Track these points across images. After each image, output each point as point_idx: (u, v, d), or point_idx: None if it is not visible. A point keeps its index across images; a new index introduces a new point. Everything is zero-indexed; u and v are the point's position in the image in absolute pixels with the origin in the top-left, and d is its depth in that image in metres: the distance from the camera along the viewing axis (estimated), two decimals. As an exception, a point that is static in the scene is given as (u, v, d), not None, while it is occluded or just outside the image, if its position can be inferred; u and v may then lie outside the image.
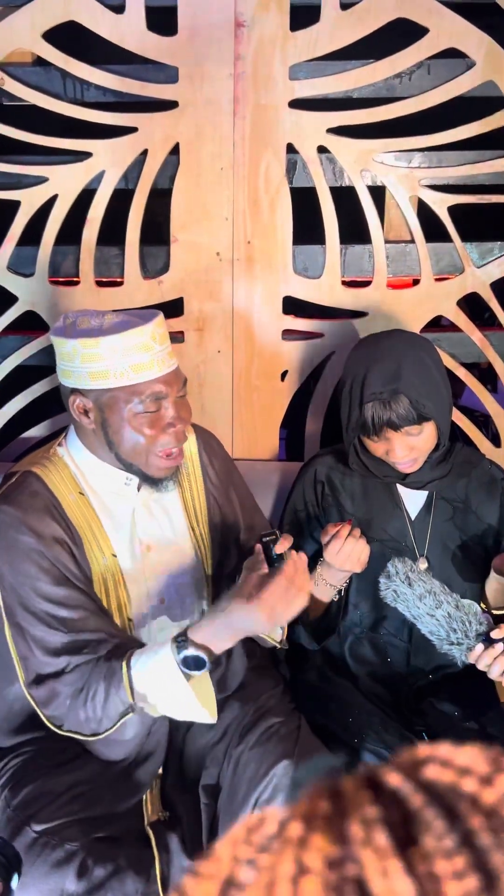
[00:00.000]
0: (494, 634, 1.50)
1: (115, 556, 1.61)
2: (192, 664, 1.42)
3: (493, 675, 1.49)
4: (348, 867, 0.33)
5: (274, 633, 1.72)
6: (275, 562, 1.54)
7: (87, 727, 1.49)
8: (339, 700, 1.81)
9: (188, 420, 1.62)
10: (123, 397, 1.53)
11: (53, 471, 1.62)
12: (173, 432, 1.57)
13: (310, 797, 0.37)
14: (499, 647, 1.49)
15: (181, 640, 1.43)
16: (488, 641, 1.50)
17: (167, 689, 1.44)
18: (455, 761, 0.36)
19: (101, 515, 1.62)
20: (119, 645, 1.51)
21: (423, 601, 1.54)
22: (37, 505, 1.56)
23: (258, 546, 1.56)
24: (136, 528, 1.65)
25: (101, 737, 1.49)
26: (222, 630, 1.44)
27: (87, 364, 1.53)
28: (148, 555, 1.66)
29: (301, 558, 1.55)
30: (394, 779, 0.36)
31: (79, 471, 1.63)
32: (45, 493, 1.58)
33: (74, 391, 1.57)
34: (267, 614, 1.41)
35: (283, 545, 1.54)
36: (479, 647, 1.50)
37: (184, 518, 1.72)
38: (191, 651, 1.42)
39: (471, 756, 0.37)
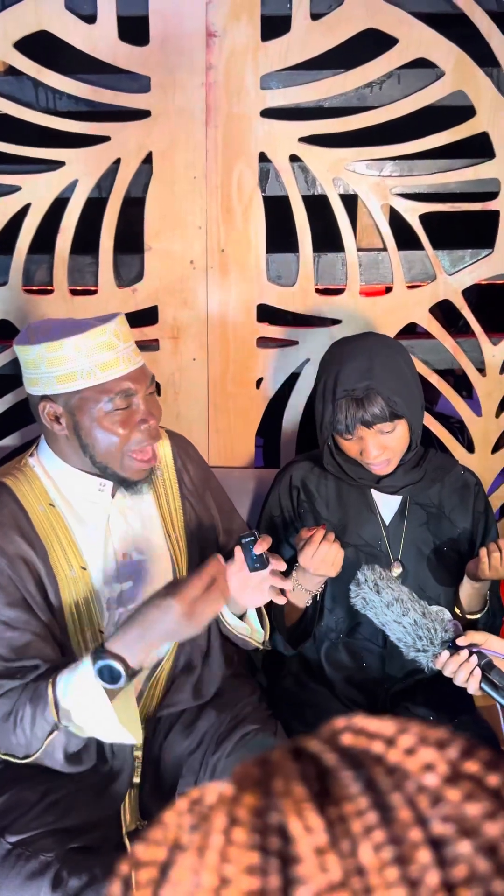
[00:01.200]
0: (460, 641, 1.51)
1: (84, 568, 1.61)
2: (107, 676, 1.39)
3: (458, 681, 1.49)
4: (272, 815, 0.37)
5: (255, 634, 1.73)
6: (255, 563, 1.55)
7: (20, 750, 1.49)
8: (315, 706, 1.81)
9: (159, 416, 1.62)
10: (93, 397, 1.53)
11: (24, 482, 1.62)
12: (146, 428, 1.57)
13: (242, 766, 0.41)
14: (463, 654, 1.50)
15: (98, 651, 1.41)
16: (454, 648, 1.51)
17: (89, 706, 1.42)
18: (367, 728, 0.41)
19: (74, 526, 1.62)
20: (52, 668, 1.51)
21: (391, 608, 1.55)
22: (3, 519, 1.56)
23: (237, 548, 1.57)
24: (111, 535, 1.65)
25: (31, 759, 1.48)
26: (136, 637, 1.40)
27: (53, 368, 1.53)
28: (123, 562, 1.66)
29: (278, 563, 1.56)
30: (313, 744, 0.41)
31: (50, 481, 1.63)
32: (12, 506, 1.58)
33: (43, 398, 1.56)
34: (185, 611, 1.37)
35: (261, 546, 1.55)
36: (445, 653, 1.51)
37: (160, 524, 1.72)
38: (106, 661, 1.39)
39: (380, 724, 0.41)
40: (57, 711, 1.43)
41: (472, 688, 1.50)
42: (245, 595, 1.64)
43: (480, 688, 1.49)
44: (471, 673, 1.50)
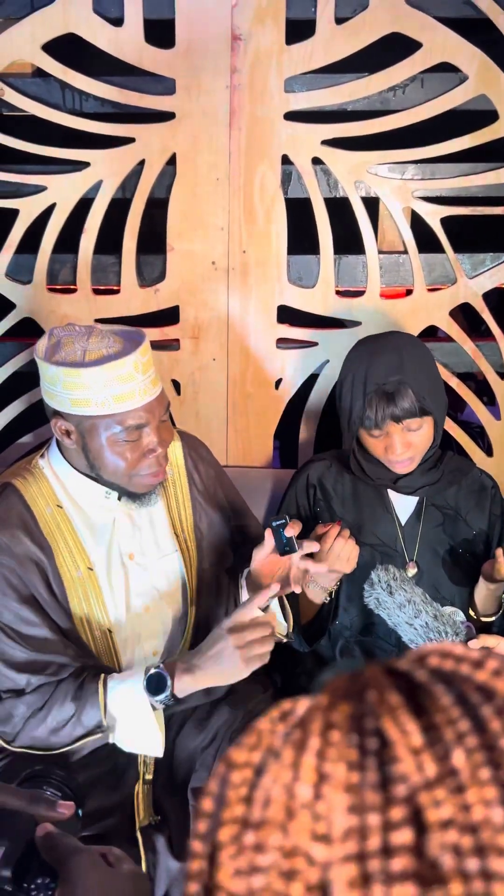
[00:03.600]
0: (472, 644, 1.51)
1: (90, 569, 1.63)
2: (153, 684, 1.48)
3: None
4: (368, 720, 0.39)
5: (279, 626, 1.74)
6: (285, 546, 1.57)
7: (42, 743, 1.52)
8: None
9: (169, 441, 1.63)
10: (104, 424, 1.54)
11: (33, 483, 1.64)
12: (154, 457, 1.58)
13: (335, 680, 0.44)
14: None
15: (154, 664, 1.50)
16: None
17: (132, 717, 1.49)
18: (454, 652, 0.43)
19: (81, 528, 1.64)
20: (87, 666, 1.56)
21: (403, 610, 1.55)
22: (11, 520, 1.59)
23: (268, 531, 1.59)
24: (117, 537, 1.66)
25: (54, 752, 1.52)
26: (191, 663, 1.50)
27: (69, 391, 1.53)
28: (131, 564, 1.67)
29: (311, 545, 1.60)
30: (404, 663, 0.43)
31: (59, 482, 1.65)
32: (20, 508, 1.60)
33: (56, 413, 1.58)
34: (237, 645, 1.47)
35: (293, 529, 1.57)
36: None
37: (168, 525, 1.73)
38: (159, 670, 1.49)
39: (465, 649, 0.43)
40: (105, 712, 1.48)
41: None
42: (273, 582, 1.65)
43: None
44: None
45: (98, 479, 1.61)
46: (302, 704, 0.43)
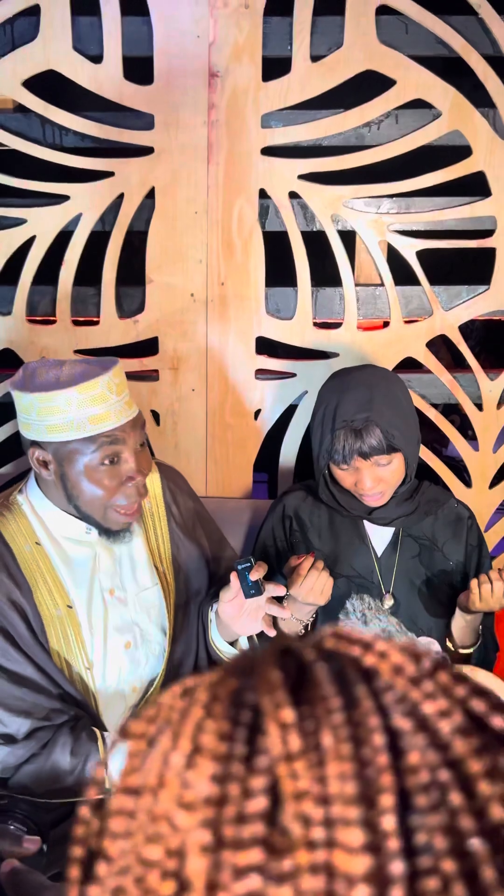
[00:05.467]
0: None
1: (70, 607, 1.61)
2: None
3: None
4: (248, 694, 0.41)
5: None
6: (251, 589, 1.55)
7: (39, 787, 1.49)
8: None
9: (148, 471, 1.62)
10: (81, 449, 1.53)
11: (11, 519, 1.62)
12: (133, 485, 1.57)
13: (234, 657, 0.46)
14: None
15: None
16: None
17: None
18: (349, 635, 0.44)
19: (59, 565, 1.62)
20: (79, 717, 1.54)
21: None
22: None
23: (233, 574, 1.57)
24: (98, 573, 1.65)
25: (54, 801, 1.48)
26: None
27: (45, 417, 1.53)
28: (111, 599, 1.65)
29: (277, 589, 1.58)
30: (298, 644, 0.44)
31: (37, 519, 1.63)
32: None
33: (34, 443, 1.57)
34: None
35: (257, 572, 1.55)
36: None
37: (147, 558, 1.72)
38: None
39: (363, 633, 0.44)
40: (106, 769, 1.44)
41: None
42: (239, 622, 1.64)
43: None
44: None
45: (77, 511, 1.59)
46: (204, 680, 0.44)
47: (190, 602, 1.76)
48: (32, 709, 1.52)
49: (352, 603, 1.63)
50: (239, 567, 1.56)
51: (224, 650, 1.71)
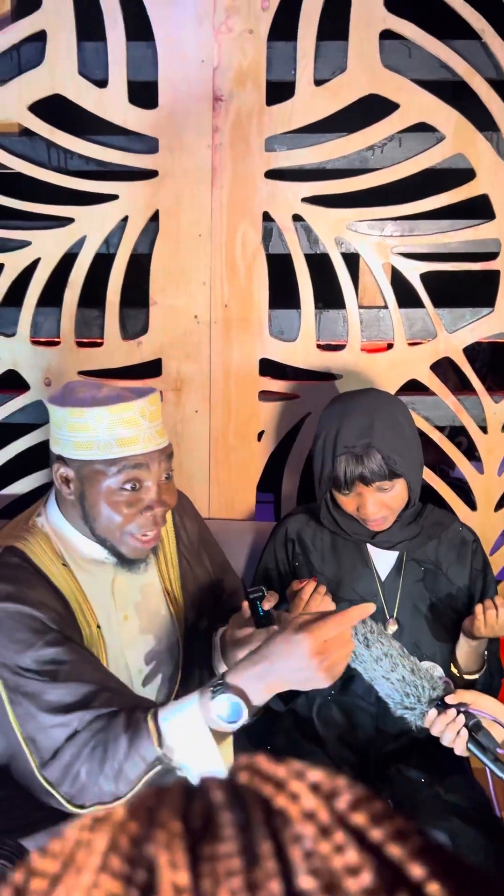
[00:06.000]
0: (449, 700, 1.46)
1: (99, 627, 1.58)
2: (226, 712, 1.27)
3: (445, 741, 1.44)
4: (147, 846, 0.37)
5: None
6: (262, 619, 1.53)
7: (109, 794, 1.36)
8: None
9: (170, 505, 1.56)
10: (103, 471, 1.50)
11: (35, 543, 1.57)
12: (150, 515, 1.53)
13: (142, 793, 0.42)
14: (451, 712, 1.44)
15: (216, 685, 1.29)
16: (442, 707, 1.46)
17: (193, 744, 1.30)
18: (263, 769, 0.40)
19: (85, 586, 1.58)
20: (126, 696, 1.44)
21: (380, 663, 1.51)
22: (23, 577, 1.51)
23: (245, 604, 1.55)
24: (116, 597, 1.62)
25: (124, 800, 1.35)
26: (261, 672, 1.25)
27: (73, 433, 1.50)
28: (125, 624, 1.63)
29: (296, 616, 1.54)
30: (209, 780, 0.41)
31: (59, 541, 1.59)
32: (29, 570, 1.53)
33: (59, 459, 1.55)
34: (316, 650, 1.22)
35: (269, 602, 1.53)
36: (433, 712, 1.46)
37: (158, 583, 1.70)
38: (227, 695, 1.26)
39: (279, 766, 0.41)
40: (160, 742, 1.31)
41: (459, 748, 1.46)
42: (247, 650, 1.61)
43: (467, 748, 1.45)
44: (458, 733, 1.46)
45: (91, 532, 1.55)
46: (116, 813, 0.41)
47: (195, 626, 1.74)
48: (90, 697, 1.40)
49: (353, 627, 1.61)
50: (251, 597, 1.54)
51: None
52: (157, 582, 1.70)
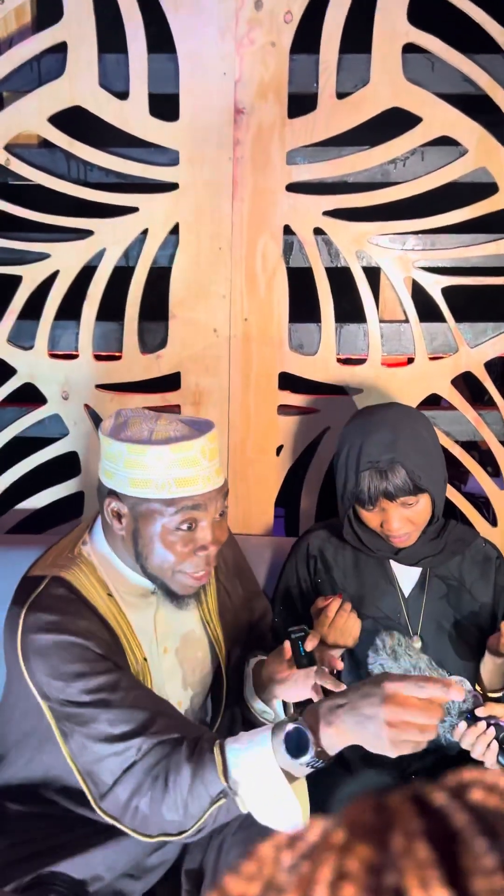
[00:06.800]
0: (479, 712, 1.46)
1: (146, 660, 1.54)
2: (293, 743, 1.23)
3: (476, 754, 1.44)
4: (388, 875, 0.33)
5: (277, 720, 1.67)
6: (303, 660, 1.51)
7: (174, 825, 1.33)
8: (329, 788, 1.76)
9: (222, 542, 1.53)
10: (160, 511, 1.46)
11: (81, 573, 1.52)
12: (204, 556, 1.49)
13: (355, 808, 0.37)
14: (481, 725, 1.44)
15: (292, 718, 1.27)
16: (472, 719, 1.46)
17: (262, 782, 1.27)
18: (501, 786, 0.37)
19: (130, 617, 1.55)
20: (185, 724, 1.41)
21: None
22: (72, 608, 1.47)
23: (286, 643, 1.52)
24: (157, 630, 1.59)
25: (188, 834, 1.32)
26: (336, 715, 1.22)
27: (130, 470, 1.45)
28: (164, 657, 1.60)
29: (336, 662, 1.53)
30: (439, 797, 0.36)
31: (105, 571, 1.55)
32: (76, 598, 1.49)
33: (111, 493, 1.49)
34: (389, 721, 1.17)
35: (312, 643, 1.50)
36: (462, 724, 1.46)
37: (198, 614, 1.67)
38: (298, 725, 1.23)
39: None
40: (226, 776, 1.28)
41: (489, 761, 1.45)
42: (285, 689, 1.59)
43: (497, 761, 1.44)
44: (488, 745, 1.45)
45: (142, 570, 1.52)
46: (314, 831, 0.36)
47: (231, 654, 1.71)
48: (146, 724, 1.37)
49: (381, 639, 1.61)
50: (293, 636, 1.52)
51: (258, 708, 1.67)
52: (196, 613, 1.67)
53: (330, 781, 1.77)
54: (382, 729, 1.16)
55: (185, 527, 1.46)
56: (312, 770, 1.25)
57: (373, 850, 0.34)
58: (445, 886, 0.32)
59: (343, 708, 1.21)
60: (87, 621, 1.45)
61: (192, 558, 1.49)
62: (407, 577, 1.86)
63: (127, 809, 1.34)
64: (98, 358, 2.17)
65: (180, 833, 1.32)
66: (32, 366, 2.16)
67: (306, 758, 1.22)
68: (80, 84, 2.02)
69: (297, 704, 1.60)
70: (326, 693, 1.58)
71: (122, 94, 2.03)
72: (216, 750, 1.29)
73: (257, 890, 0.35)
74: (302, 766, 1.24)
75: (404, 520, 1.72)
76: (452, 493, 2.24)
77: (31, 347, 2.16)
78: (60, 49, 2.02)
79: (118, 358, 2.17)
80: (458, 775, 0.38)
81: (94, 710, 1.38)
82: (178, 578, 1.51)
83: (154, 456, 1.43)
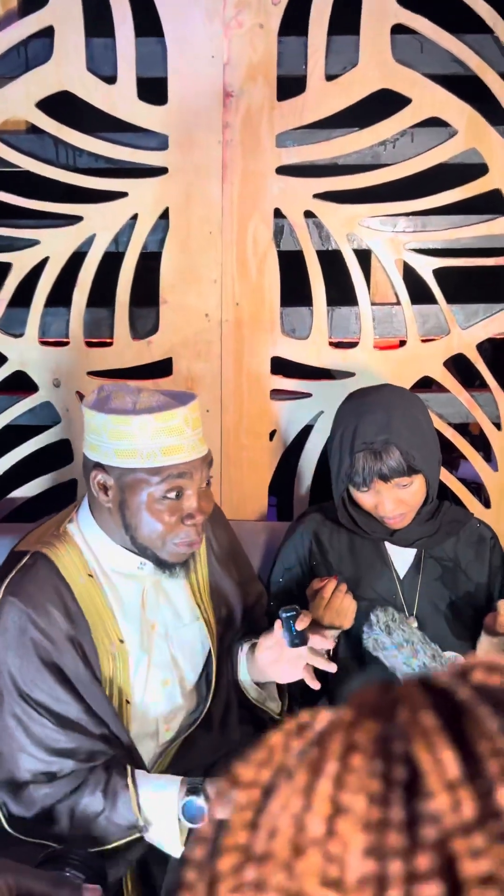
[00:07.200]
0: None
1: (122, 641, 1.56)
2: (190, 812, 1.40)
3: None
4: (397, 744, 0.33)
5: (272, 703, 1.68)
6: (295, 639, 1.51)
7: (74, 832, 1.44)
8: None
9: (208, 512, 1.56)
10: (146, 480, 1.48)
11: (63, 552, 1.55)
12: (192, 524, 1.51)
13: (361, 692, 0.37)
14: None
15: (193, 786, 1.42)
16: None
17: (160, 820, 1.43)
18: (501, 666, 0.37)
19: (110, 599, 1.57)
20: (115, 757, 1.48)
21: (401, 651, 1.53)
22: (46, 595, 1.50)
23: (277, 623, 1.53)
24: (146, 608, 1.60)
25: (92, 849, 1.41)
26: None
27: (116, 441, 1.48)
28: (153, 634, 1.61)
29: (325, 642, 1.55)
30: (442, 678, 0.36)
31: (89, 550, 1.57)
32: (54, 580, 1.52)
33: (97, 466, 1.51)
34: None
35: (303, 622, 1.51)
36: None
37: (188, 594, 1.67)
38: (199, 800, 1.40)
39: None
40: (139, 811, 1.42)
41: None
42: (278, 670, 1.60)
43: None
44: None
45: (132, 541, 1.54)
46: (322, 718, 0.37)
47: (224, 638, 1.72)
48: (76, 751, 1.47)
49: (375, 614, 1.61)
50: (284, 615, 1.52)
51: (251, 692, 1.67)
52: (187, 592, 1.67)
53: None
54: None
55: (171, 495, 1.49)
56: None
57: (380, 723, 0.34)
58: (453, 749, 0.32)
59: None
60: (55, 619, 1.50)
61: (181, 528, 1.51)
62: (402, 558, 1.86)
63: (26, 804, 1.45)
64: (89, 345, 2.16)
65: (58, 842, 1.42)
66: (23, 353, 2.15)
67: (197, 824, 1.39)
68: (67, 69, 2.01)
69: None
70: (318, 673, 1.60)
71: (110, 79, 2.02)
72: (130, 785, 1.42)
73: (267, 776, 0.35)
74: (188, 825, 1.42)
75: (399, 501, 1.72)
76: (445, 476, 2.24)
77: (21, 335, 2.14)
78: (47, 34, 2.00)
79: (109, 344, 2.16)
80: (459, 663, 0.39)
81: (37, 711, 1.46)
82: (168, 548, 1.53)
83: (139, 425, 1.46)
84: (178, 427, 1.48)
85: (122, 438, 1.47)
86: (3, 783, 1.46)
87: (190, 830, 1.44)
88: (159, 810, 1.41)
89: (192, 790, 1.40)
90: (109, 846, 1.42)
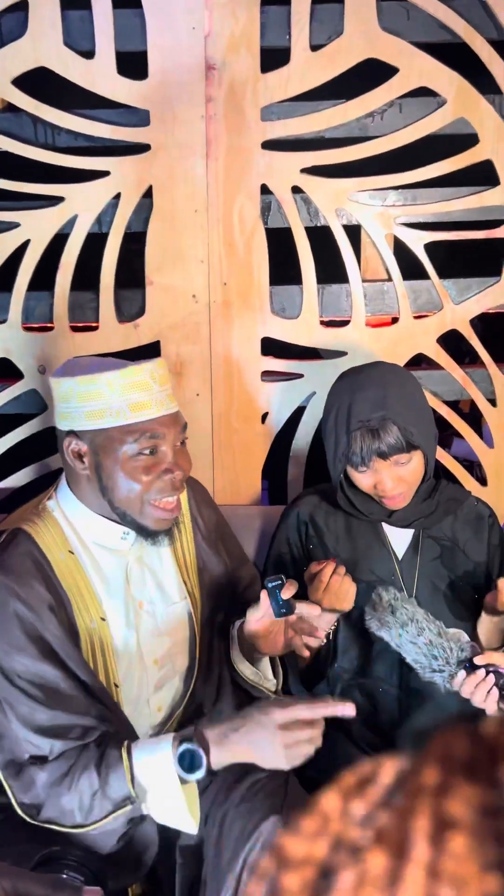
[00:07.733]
0: (477, 660, 1.46)
1: (103, 619, 1.53)
2: (186, 763, 1.36)
3: (476, 702, 1.46)
4: None
5: (267, 682, 1.65)
6: (281, 608, 1.49)
7: (69, 818, 1.39)
8: (329, 751, 1.72)
9: (187, 470, 1.55)
10: (118, 437, 1.47)
11: (43, 528, 1.53)
12: (170, 479, 1.49)
13: (443, 741, 0.30)
14: (480, 673, 1.46)
15: (185, 736, 1.38)
16: (471, 668, 1.47)
17: (159, 788, 1.38)
18: None
19: (92, 575, 1.54)
20: (108, 733, 1.44)
21: (406, 628, 1.51)
22: (26, 568, 1.48)
23: (263, 592, 1.51)
24: (130, 586, 1.57)
25: (85, 829, 1.38)
26: (228, 736, 1.37)
27: (84, 403, 1.48)
28: (140, 613, 1.58)
29: (311, 608, 1.53)
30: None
31: (70, 526, 1.55)
32: (34, 554, 1.50)
33: (70, 433, 1.51)
34: (281, 736, 1.34)
35: (289, 591, 1.49)
36: (462, 673, 1.48)
37: (175, 572, 1.65)
38: (193, 746, 1.36)
39: None
40: (132, 783, 1.37)
41: (491, 708, 1.47)
42: (266, 642, 1.58)
43: (499, 708, 1.45)
44: (488, 693, 1.46)
45: (110, 506, 1.51)
46: (387, 769, 0.30)
47: (213, 618, 1.68)
48: (66, 728, 1.43)
49: (377, 594, 1.59)
50: (269, 585, 1.50)
51: (245, 671, 1.64)
52: (173, 570, 1.64)
53: (329, 747, 1.74)
54: (280, 750, 1.34)
55: (146, 452, 1.48)
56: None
57: (481, 787, 0.27)
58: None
59: (237, 733, 1.36)
60: (37, 591, 1.47)
61: (158, 483, 1.49)
62: (400, 539, 1.83)
63: (26, 791, 1.41)
64: (74, 329, 2.11)
65: (74, 827, 1.39)
66: (6, 339, 2.09)
67: (198, 774, 1.36)
68: (43, 44, 1.95)
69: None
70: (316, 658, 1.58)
71: (88, 53, 1.96)
72: (123, 756, 1.38)
73: (324, 850, 0.28)
74: (191, 780, 1.38)
75: (398, 479, 1.68)
76: (439, 454, 2.21)
77: (4, 321, 2.09)
78: (21, 7, 1.93)
79: (95, 328, 2.11)
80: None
81: (22, 690, 1.43)
82: (148, 511, 1.51)
83: (105, 383, 1.47)
84: (144, 382, 1.49)
85: (90, 400, 1.47)
86: (5, 768, 1.44)
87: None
88: (155, 769, 1.37)
89: (186, 738, 1.37)
90: (101, 821, 1.38)
